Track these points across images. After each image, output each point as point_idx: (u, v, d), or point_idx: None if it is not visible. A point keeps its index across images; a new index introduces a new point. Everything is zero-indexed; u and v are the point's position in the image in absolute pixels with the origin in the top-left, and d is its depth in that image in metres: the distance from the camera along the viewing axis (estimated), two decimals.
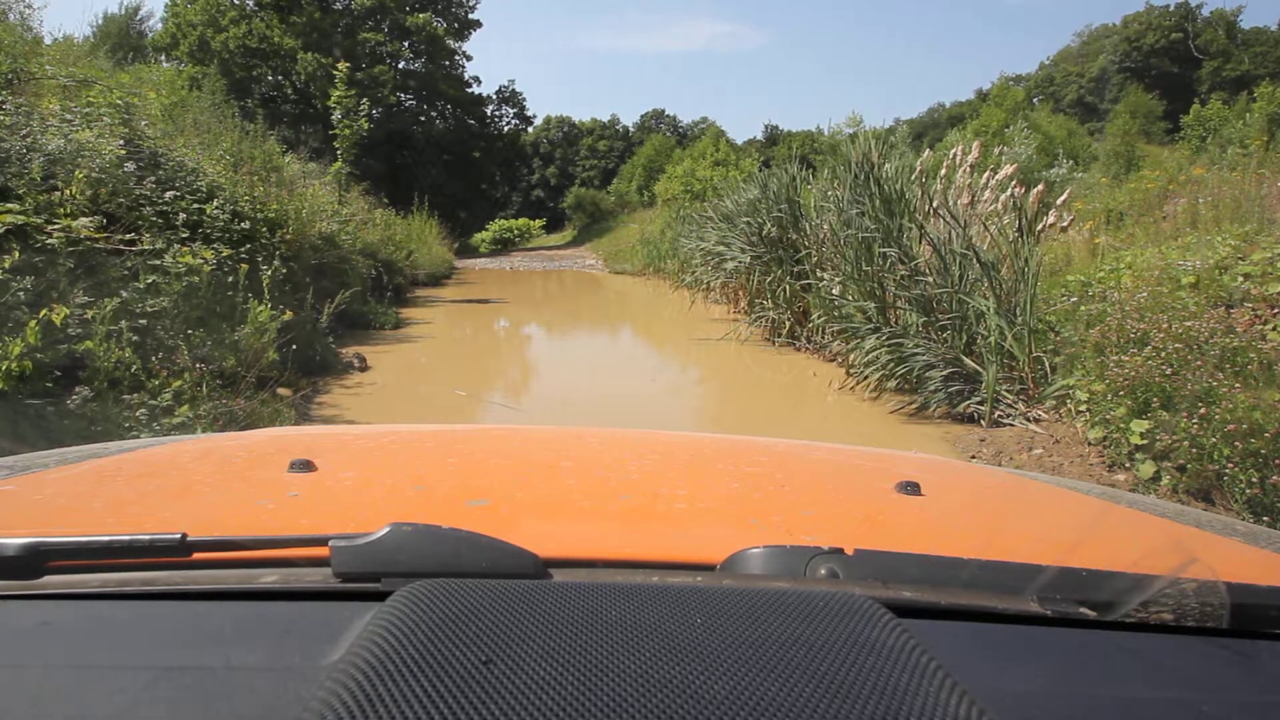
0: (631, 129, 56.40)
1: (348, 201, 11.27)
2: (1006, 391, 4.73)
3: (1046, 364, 4.80)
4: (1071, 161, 16.12)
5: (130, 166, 4.96)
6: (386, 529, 0.52)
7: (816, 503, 0.92)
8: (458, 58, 30.43)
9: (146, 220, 4.80)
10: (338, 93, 11.28)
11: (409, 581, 0.47)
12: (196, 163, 6.55)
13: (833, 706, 0.36)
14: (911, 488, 0.84)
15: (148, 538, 0.52)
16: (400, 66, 28.46)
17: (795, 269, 7.72)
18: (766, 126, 42.38)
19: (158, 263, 4.40)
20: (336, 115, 11.38)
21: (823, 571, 0.54)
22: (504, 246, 33.46)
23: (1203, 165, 11.23)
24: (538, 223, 37.61)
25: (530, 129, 43.01)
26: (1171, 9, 43.67)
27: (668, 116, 58.16)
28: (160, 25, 26.46)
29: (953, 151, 6.85)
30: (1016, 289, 5.08)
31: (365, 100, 12.31)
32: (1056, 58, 48.28)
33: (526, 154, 49.47)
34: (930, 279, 5.61)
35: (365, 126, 11.97)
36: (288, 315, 4.87)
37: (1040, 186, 5.72)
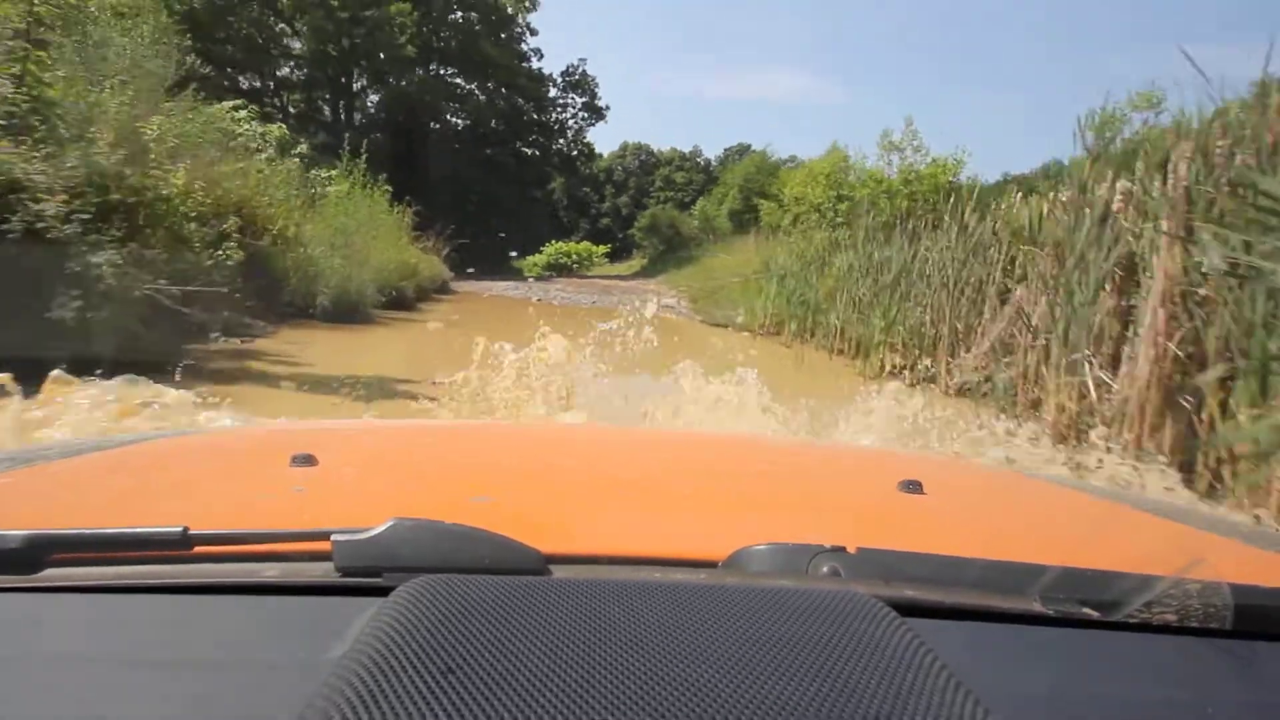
0: (714, 161, 50.26)
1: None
2: None
3: None
4: None
5: None
6: (388, 524, 0.51)
7: (819, 500, 0.91)
8: (516, 29, 23.20)
9: None
10: None
11: (411, 577, 0.46)
12: None
13: (836, 705, 0.36)
14: (914, 486, 0.83)
15: (150, 531, 0.51)
16: (434, 16, 20.80)
17: None
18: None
19: None
20: None
21: (825, 569, 0.53)
22: (559, 272, 27.89)
23: None
24: (601, 248, 31.93)
25: (602, 121, 36.15)
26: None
27: (754, 152, 51.68)
28: None
29: None
30: None
31: None
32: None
33: (599, 179, 43.56)
34: None
35: None
36: None
37: None
